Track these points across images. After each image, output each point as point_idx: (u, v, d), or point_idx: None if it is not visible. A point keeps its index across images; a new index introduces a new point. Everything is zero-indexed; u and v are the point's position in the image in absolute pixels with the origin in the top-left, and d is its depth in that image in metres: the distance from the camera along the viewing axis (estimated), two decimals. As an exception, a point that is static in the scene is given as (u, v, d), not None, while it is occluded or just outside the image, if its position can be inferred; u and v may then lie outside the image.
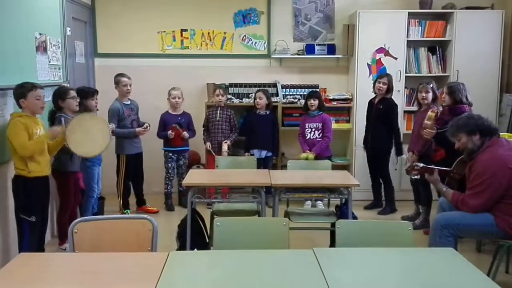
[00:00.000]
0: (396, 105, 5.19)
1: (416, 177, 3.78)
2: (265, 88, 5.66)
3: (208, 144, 5.44)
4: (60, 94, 4.07)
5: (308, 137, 5.25)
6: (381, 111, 5.12)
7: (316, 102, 5.18)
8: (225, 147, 5.25)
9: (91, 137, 3.81)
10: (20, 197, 3.52)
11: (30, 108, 3.48)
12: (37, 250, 3.53)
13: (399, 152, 5.16)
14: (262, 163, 5.24)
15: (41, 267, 2.09)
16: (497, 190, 3.16)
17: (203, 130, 5.53)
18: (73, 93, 4.12)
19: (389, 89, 5.13)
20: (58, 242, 4.25)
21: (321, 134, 5.22)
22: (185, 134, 5.32)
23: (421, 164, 3.68)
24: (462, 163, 3.51)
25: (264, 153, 5.38)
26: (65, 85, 4.56)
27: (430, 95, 4.69)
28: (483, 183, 3.18)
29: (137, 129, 5.08)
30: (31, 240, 3.53)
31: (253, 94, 5.72)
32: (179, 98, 5.38)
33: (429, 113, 4.40)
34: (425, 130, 4.42)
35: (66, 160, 4.04)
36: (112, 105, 5.06)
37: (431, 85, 4.71)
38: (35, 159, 3.51)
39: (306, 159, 5.01)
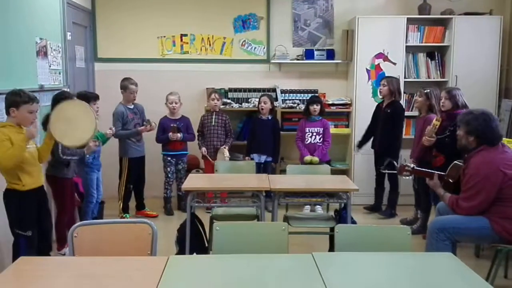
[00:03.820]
0: (403, 109, 5.22)
1: (407, 177, 3.84)
2: (270, 93, 5.67)
3: (204, 149, 5.44)
4: (63, 98, 3.94)
5: (308, 142, 5.26)
6: (388, 115, 5.13)
7: (319, 107, 5.22)
8: (226, 152, 5.25)
9: (75, 124, 3.45)
10: (13, 212, 3.33)
11: (19, 120, 3.24)
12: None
13: (394, 156, 5.16)
14: (262, 168, 5.24)
15: (41, 271, 2.09)
16: (489, 193, 3.18)
17: (197, 135, 5.54)
18: (74, 98, 4.12)
19: (391, 91, 5.12)
20: (56, 247, 4.24)
21: (321, 139, 5.24)
22: (178, 135, 5.33)
23: (412, 165, 3.74)
24: (456, 168, 3.54)
25: (263, 158, 5.38)
26: (66, 90, 4.57)
27: (421, 99, 4.75)
28: (476, 185, 3.20)
29: (140, 128, 5.11)
30: (27, 255, 3.38)
31: (253, 99, 5.74)
32: (176, 103, 5.39)
33: (434, 121, 4.42)
34: (424, 138, 4.44)
35: (62, 167, 4.00)
36: (116, 109, 5.09)
37: (427, 91, 4.72)
38: (26, 170, 3.30)
39: (311, 162, 5.04)
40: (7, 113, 3.26)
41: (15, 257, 3.27)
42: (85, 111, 3.51)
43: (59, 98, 3.98)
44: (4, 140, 3.14)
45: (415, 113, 5.34)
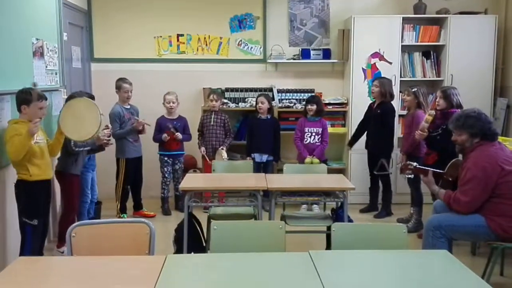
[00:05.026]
0: (393, 110, 5.23)
1: (409, 176, 3.88)
2: (266, 93, 5.68)
3: (203, 148, 5.45)
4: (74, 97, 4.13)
5: (307, 142, 5.28)
6: (378, 115, 5.17)
7: (314, 107, 5.23)
8: (224, 154, 5.26)
9: (82, 119, 3.72)
10: (22, 201, 3.53)
11: (30, 116, 3.46)
12: (37, 254, 3.54)
13: (387, 156, 5.20)
14: (263, 167, 5.27)
15: (39, 271, 2.10)
16: (487, 186, 3.20)
17: (198, 134, 5.55)
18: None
19: (383, 92, 5.14)
20: (56, 244, 4.24)
21: (320, 139, 5.27)
22: (178, 135, 5.34)
23: (415, 164, 3.76)
24: (455, 166, 3.56)
25: (265, 157, 5.40)
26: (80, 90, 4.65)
27: (409, 98, 4.82)
28: (474, 178, 3.22)
29: (135, 124, 5.08)
30: (33, 244, 3.55)
31: (249, 98, 5.76)
32: (173, 102, 5.40)
33: (427, 116, 4.45)
34: (416, 131, 4.48)
35: (70, 162, 4.11)
36: (112, 109, 5.09)
37: (414, 90, 4.79)
38: (34, 163, 3.50)
39: (311, 163, 5.06)
40: (19, 110, 3.48)
41: (22, 245, 3.56)
42: (89, 107, 3.77)
43: (71, 98, 4.14)
44: (14, 136, 3.35)
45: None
